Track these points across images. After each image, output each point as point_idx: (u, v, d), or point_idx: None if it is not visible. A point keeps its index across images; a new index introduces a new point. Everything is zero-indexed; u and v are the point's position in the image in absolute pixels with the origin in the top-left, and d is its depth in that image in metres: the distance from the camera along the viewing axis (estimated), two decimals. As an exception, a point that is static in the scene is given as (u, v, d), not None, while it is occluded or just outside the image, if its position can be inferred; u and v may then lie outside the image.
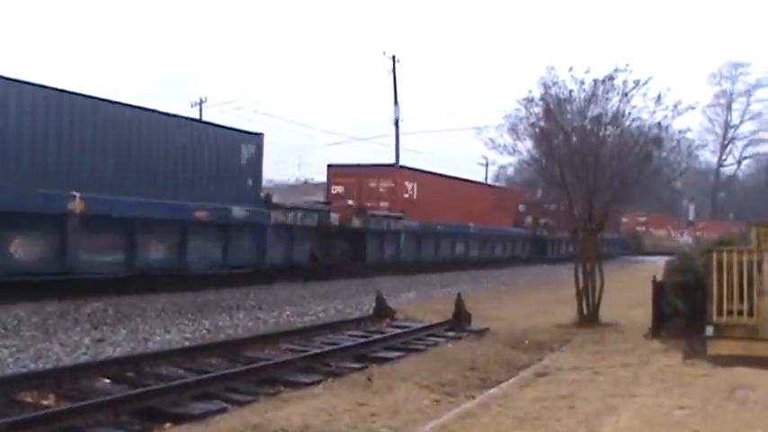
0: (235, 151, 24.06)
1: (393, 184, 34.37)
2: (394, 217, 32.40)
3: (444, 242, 37.50)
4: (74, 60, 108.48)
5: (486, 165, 63.83)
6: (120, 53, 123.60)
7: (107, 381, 9.95)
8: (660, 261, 21.99)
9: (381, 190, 34.18)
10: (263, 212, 24.29)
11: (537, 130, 17.44)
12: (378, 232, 31.23)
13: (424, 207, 34.95)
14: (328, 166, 35.74)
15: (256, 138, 25.30)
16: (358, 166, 35.57)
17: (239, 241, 23.35)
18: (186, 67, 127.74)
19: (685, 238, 60.61)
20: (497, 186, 47.78)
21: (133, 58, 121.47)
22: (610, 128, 16.90)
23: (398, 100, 52.89)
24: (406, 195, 34.78)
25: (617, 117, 16.69)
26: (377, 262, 30.99)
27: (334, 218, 28.11)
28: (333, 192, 34.21)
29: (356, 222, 29.52)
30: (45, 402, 8.71)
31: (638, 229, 67.31)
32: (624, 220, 58.15)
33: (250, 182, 24.67)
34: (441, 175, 39.28)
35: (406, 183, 35.12)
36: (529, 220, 47.61)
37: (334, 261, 28.48)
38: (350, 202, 32.64)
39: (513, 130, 17.49)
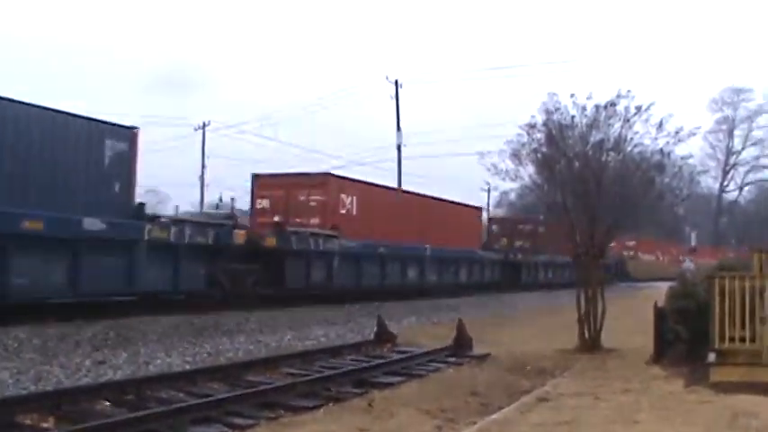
0: (94, 147, 19.58)
1: (325, 197, 28.96)
2: (324, 235, 27.53)
3: (393, 266, 32.09)
4: (79, 84, 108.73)
5: (489, 190, 63.94)
6: (125, 77, 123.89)
7: (107, 403, 9.94)
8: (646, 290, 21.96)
9: (312, 204, 28.92)
10: (133, 226, 19.93)
11: (539, 155, 17.44)
12: (302, 253, 26.15)
13: (367, 225, 30.15)
14: (253, 175, 30.37)
15: (127, 132, 20.85)
16: (286, 175, 30.76)
17: (95, 262, 18.46)
18: (190, 89, 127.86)
19: (687, 264, 60.40)
20: (463, 204, 42.65)
21: (138, 83, 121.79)
22: (612, 153, 16.90)
23: (401, 125, 53.03)
24: (343, 211, 29.63)
25: (619, 143, 16.69)
26: (301, 289, 26.45)
27: (238, 235, 23.93)
28: (258, 206, 29.37)
29: (270, 242, 24.90)
30: (44, 425, 8.70)
31: (624, 254, 61.67)
32: (611, 244, 55.29)
33: (117, 187, 20.20)
34: (388, 187, 36.06)
35: (343, 195, 29.77)
36: (503, 241, 45.50)
37: (242, 288, 23.80)
38: (276, 218, 27.70)
39: (516, 155, 17.49)
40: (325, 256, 27.42)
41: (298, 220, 28.09)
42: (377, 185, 34.13)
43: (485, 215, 51.62)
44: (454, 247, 36.94)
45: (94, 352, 14.04)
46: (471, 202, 45.66)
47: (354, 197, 30.19)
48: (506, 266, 43.34)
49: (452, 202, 40.08)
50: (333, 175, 31.50)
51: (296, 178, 29.95)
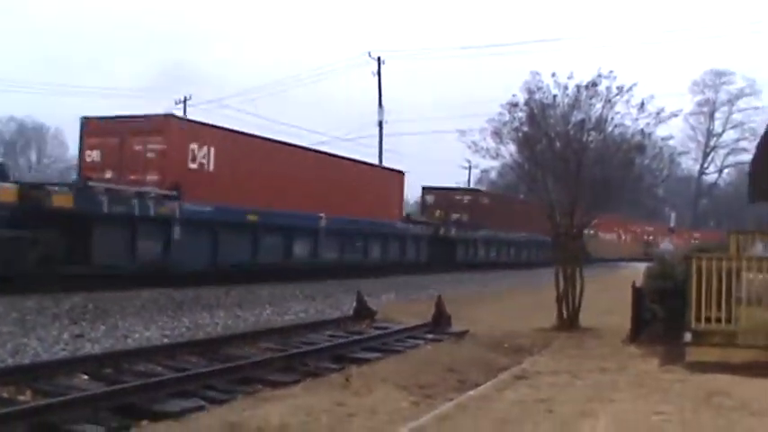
0: None
1: (166, 146, 22.94)
2: (157, 196, 21.76)
3: (270, 239, 26.26)
4: (58, 56, 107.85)
5: (470, 168, 63.82)
6: (107, 51, 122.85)
7: (85, 377, 9.91)
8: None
9: (150, 155, 22.84)
10: None
11: (520, 134, 17.46)
12: (118, 219, 20.34)
13: (231, 185, 24.41)
14: (82, 119, 24.15)
15: None
16: (121, 118, 23.98)
17: None
18: (172, 66, 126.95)
19: (666, 245, 60.56)
20: (378, 166, 38.62)
21: (120, 57, 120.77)
22: (593, 133, 16.93)
23: (383, 102, 52.81)
24: (193, 165, 23.53)
25: (600, 123, 16.72)
26: (111, 266, 20.53)
27: (5, 192, 18.14)
28: (87, 158, 23.67)
29: (62, 200, 18.91)
30: (22, 398, 8.66)
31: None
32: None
33: None
34: (268, 139, 27.94)
35: (193, 145, 23.54)
36: (438, 213, 39.82)
37: (20, 266, 18.02)
38: (108, 174, 22.57)
39: (497, 134, 17.50)
40: (158, 223, 21.60)
41: (132, 177, 22.59)
42: (248, 135, 26.90)
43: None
44: (363, 218, 30.73)
45: (72, 325, 14.00)
46: (390, 166, 39.51)
47: (212, 148, 23.92)
48: (437, 243, 37.95)
49: (364, 164, 35.17)
50: (176, 117, 26.67)
51: (134, 123, 23.52)
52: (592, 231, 59.09)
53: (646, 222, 73.29)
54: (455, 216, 40.52)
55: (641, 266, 18.96)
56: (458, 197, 43.01)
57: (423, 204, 42.55)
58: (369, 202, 32.16)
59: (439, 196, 42.42)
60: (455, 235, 39.38)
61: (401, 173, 36.98)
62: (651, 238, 71.77)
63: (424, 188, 43.76)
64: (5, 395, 8.70)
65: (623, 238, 69.94)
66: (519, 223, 44.10)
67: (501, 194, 46.78)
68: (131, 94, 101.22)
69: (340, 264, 29.76)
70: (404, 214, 37.99)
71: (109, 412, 8.13)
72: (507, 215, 43.78)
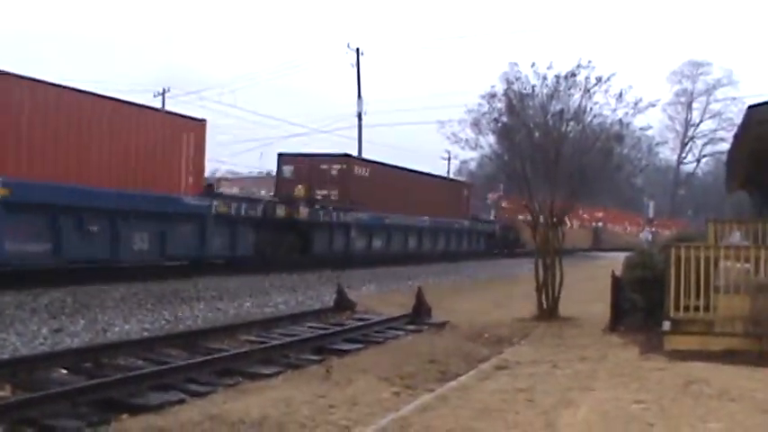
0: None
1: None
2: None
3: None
4: (37, 45, 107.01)
5: (449, 159, 63.82)
6: (84, 43, 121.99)
7: (64, 371, 9.87)
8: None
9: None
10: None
11: (499, 125, 17.50)
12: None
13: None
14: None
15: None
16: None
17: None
18: (150, 58, 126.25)
19: (645, 235, 60.58)
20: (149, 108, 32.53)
21: (98, 48, 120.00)
22: (572, 124, 16.98)
23: (362, 93, 52.85)
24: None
25: (579, 113, 16.78)
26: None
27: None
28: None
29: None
30: (1, 393, 8.62)
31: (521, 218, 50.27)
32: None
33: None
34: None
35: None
36: (298, 189, 30.80)
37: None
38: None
39: (476, 124, 17.55)
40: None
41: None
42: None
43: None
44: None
45: (51, 319, 13.91)
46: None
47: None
48: (275, 229, 27.26)
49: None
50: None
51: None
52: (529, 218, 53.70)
53: (593, 208, 68.58)
54: (321, 193, 31.73)
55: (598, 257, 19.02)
56: (324, 166, 32.69)
57: (278, 177, 33.36)
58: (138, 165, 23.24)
59: (300, 166, 32.67)
60: (308, 218, 28.64)
61: (200, 121, 25.07)
62: (601, 224, 70.16)
63: (280, 155, 34.22)
64: (-16, 390, 8.67)
65: (568, 225, 65.76)
66: (418, 204, 37.10)
67: (388, 166, 37.23)
68: (105, 87, 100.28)
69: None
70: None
71: (89, 406, 8.11)
72: (399, 193, 35.93)
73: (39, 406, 7.75)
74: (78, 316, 14.47)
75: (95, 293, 17.10)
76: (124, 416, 7.91)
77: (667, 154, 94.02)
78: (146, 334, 13.20)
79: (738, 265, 11.80)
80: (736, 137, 15.85)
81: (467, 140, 17.85)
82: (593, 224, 66.45)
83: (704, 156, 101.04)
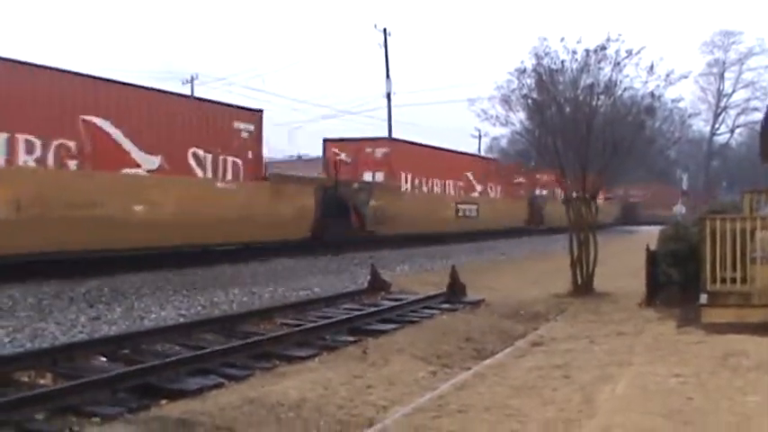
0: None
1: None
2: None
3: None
4: (65, 38, 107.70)
5: (480, 137, 63.49)
6: (111, 31, 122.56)
7: (103, 359, 9.98)
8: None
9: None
10: None
11: (529, 101, 17.40)
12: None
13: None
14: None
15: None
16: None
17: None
18: (177, 45, 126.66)
19: (678, 208, 59.96)
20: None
21: (125, 36, 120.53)
22: (602, 98, 16.85)
23: (390, 73, 52.71)
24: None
25: (609, 87, 16.65)
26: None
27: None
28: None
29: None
30: (42, 381, 8.73)
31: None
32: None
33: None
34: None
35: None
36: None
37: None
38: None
39: (506, 101, 17.47)
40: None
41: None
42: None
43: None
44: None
45: (89, 308, 14.06)
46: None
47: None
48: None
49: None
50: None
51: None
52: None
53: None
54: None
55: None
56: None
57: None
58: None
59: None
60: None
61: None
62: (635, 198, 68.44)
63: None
64: (26, 379, 8.78)
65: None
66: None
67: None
68: (134, 75, 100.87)
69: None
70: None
71: (128, 393, 8.19)
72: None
73: (79, 393, 7.84)
74: (115, 304, 14.61)
75: (131, 281, 17.26)
76: (163, 401, 7.98)
77: (700, 126, 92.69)
78: (182, 320, 13.30)
79: (775, 235, 11.68)
80: (770, 105, 15.65)
81: (497, 117, 17.78)
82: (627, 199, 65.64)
83: (738, 126, 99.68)
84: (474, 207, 40.03)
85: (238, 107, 24.58)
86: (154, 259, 20.11)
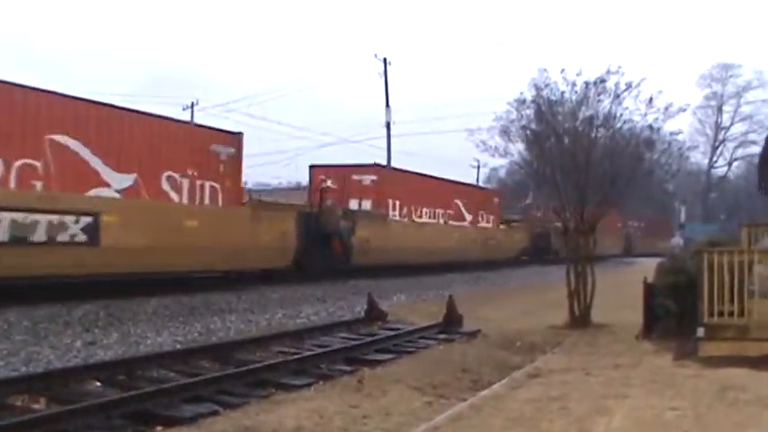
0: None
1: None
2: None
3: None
4: (64, 59, 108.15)
5: (478, 167, 63.67)
6: (110, 55, 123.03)
7: (98, 384, 9.93)
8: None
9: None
10: None
11: (528, 132, 17.45)
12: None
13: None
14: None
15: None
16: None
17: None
18: (177, 71, 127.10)
19: (676, 240, 60.00)
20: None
21: (124, 61, 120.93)
22: (601, 130, 16.92)
23: (390, 102, 52.87)
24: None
25: (608, 119, 16.72)
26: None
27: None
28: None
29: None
30: (36, 406, 8.69)
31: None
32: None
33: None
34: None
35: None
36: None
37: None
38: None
39: (505, 132, 17.51)
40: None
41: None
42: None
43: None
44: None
45: (84, 333, 14.02)
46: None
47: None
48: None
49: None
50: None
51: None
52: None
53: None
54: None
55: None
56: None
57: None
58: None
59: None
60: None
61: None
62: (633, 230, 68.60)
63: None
64: (20, 403, 8.73)
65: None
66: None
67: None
68: (130, 99, 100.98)
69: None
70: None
71: (123, 419, 8.16)
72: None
73: (73, 419, 7.80)
74: (111, 329, 14.57)
75: (128, 306, 17.22)
76: (158, 428, 7.95)
77: (698, 158, 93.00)
78: (178, 346, 13.25)
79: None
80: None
81: (496, 148, 17.81)
82: (625, 230, 65.82)
83: (736, 159, 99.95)
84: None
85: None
86: (150, 285, 20.07)
